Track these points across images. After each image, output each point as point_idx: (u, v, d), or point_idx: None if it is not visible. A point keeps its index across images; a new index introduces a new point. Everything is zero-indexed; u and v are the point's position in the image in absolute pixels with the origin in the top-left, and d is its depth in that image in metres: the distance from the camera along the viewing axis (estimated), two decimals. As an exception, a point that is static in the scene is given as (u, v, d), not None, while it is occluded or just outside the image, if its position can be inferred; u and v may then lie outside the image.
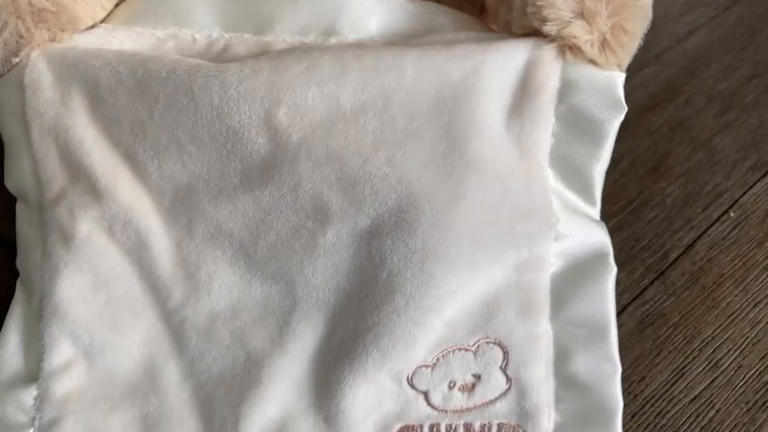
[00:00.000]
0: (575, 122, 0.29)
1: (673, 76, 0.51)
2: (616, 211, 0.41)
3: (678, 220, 0.41)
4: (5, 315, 0.37)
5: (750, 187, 0.42)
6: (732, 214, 0.41)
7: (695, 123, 0.47)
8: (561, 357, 0.30)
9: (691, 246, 0.39)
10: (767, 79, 0.50)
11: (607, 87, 0.29)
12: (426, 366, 0.30)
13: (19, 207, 0.33)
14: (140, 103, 0.30)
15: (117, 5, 0.34)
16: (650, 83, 0.50)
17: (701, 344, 0.34)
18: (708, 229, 0.40)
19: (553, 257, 0.30)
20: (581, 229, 0.30)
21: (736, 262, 0.38)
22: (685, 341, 0.35)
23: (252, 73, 0.29)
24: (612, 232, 0.32)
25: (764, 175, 0.43)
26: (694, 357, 0.34)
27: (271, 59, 0.29)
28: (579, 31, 0.28)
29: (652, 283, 0.37)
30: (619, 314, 0.33)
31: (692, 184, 0.43)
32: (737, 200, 0.42)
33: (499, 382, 0.30)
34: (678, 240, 0.40)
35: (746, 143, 0.45)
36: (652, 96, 0.49)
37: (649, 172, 0.44)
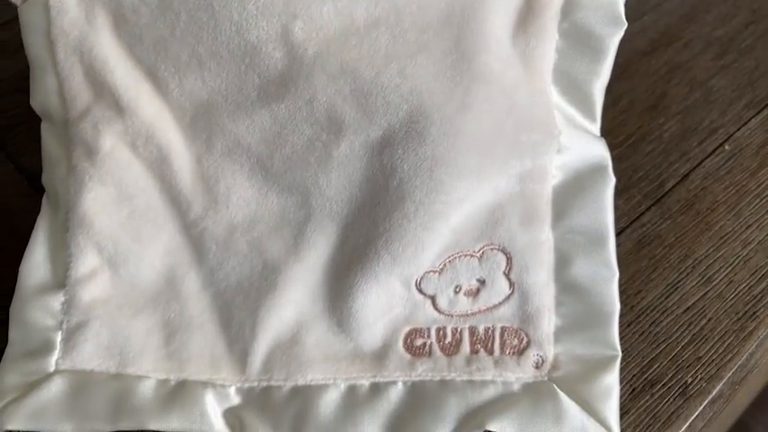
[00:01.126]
0: (577, 39, 0.31)
1: (672, 23, 0.53)
2: (616, 144, 0.43)
3: (675, 152, 0.42)
4: (30, 236, 0.39)
5: (744, 123, 0.44)
6: (727, 147, 0.42)
7: (693, 66, 0.49)
8: (561, 263, 0.31)
9: (686, 176, 0.41)
10: (764, 25, 0.51)
11: (608, 4, 0.30)
12: (434, 271, 0.31)
13: (44, 126, 0.35)
14: (162, 20, 0.31)
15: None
16: (650, 29, 0.51)
17: (694, 262, 0.36)
18: (703, 161, 0.42)
19: (555, 170, 0.31)
20: (581, 143, 0.32)
21: (729, 190, 0.40)
22: (679, 259, 0.36)
23: (269, -11, 0.30)
24: (612, 163, 0.34)
25: (759, 113, 0.44)
26: (688, 274, 0.36)
27: (287, -24, 0.30)
28: (582, -52, 0.30)
29: (649, 208, 0.39)
30: (617, 236, 0.34)
31: (689, 120, 0.44)
32: (732, 134, 0.43)
33: (502, 287, 0.31)
34: (674, 171, 0.41)
35: (742, 83, 0.47)
36: (651, 42, 0.51)
37: (648, 110, 0.45)
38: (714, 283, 0.35)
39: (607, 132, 0.35)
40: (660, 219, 0.38)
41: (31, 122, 0.47)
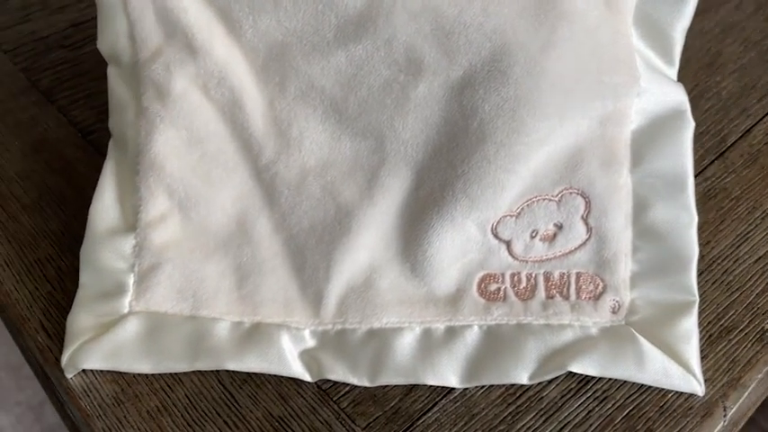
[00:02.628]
0: (660, -21, 0.30)
1: (722, -15, 0.52)
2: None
3: (734, 109, 0.42)
4: (88, 186, 0.39)
5: (804, 82, 0.43)
6: (787, 104, 0.42)
7: (746, 26, 0.48)
8: (640, 208, 0.31)
9: (748, 131, 0.40)
10: (815, -11, 0.51)
11: (694, -56, 0.30)
12: (511, 215, 0.31)
13: (111, 70, 0.34)
14: (237, -42, 0.31)
15: None
16: (700, -10, 0.51)
17: (762, 214, 0.36)
18: (764, 116, 0.41)
19: (634, 113, 0.31)
20: (660, 87, 0.31)
21: (793, 145, 0.39)
22: (747, 211, 0.36)
23: (350, -77, 0.29)
24: None
25: (816, 72, 0.44)
26: (757, 225, 0.35)
27: None
28: None
29: (712, 162, 0.39)
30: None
31: (746, 78, 0.44)
32: (791, 92, 0.43)
33: (580, 231, 0.31)
34: (735, 127, 0.41)
35: (797, 43, 0.46)
36: (702, 1, 0.50)
37: (704, 68, 0.45)
38: (784, 234, 0.35)
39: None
40: (724, 172, 0.38)
41: (78, 78, 0.47)
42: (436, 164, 0.31)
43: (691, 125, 0.31)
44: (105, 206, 0.33)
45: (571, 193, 0.31)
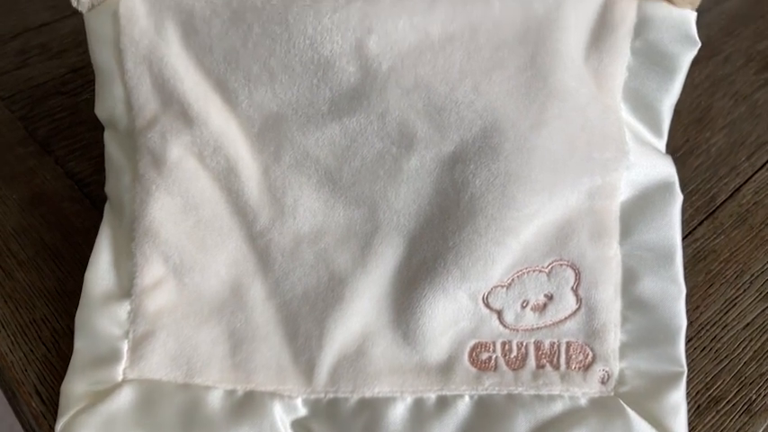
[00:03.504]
0: (649, 57, 0.31)
1: (712, 36, 0.53)
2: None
3: (723, 167, 0.43)
4: (85, 242, 0.39)
5: (792, 138, 0.44)
6: (776, 162, 0.42)
7: (736, 80, 0.49)
8: (629, 280, 0.31)
9: (737, 190, 0.41)
10: (804, 40, 0.52)
11: (681, 24, 0.31)
12: (502, 286, 0.32)
13: (108, 135, 0.35)
14: (234, 32, 0.31)
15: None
16: (691, 41, 0.51)
17: (751, 277, 0.36)
18: (753, 175, 0.42)
19: (623, 186, 0.31)
20: (649, 160, 0.32)
21: (782, 205, 0.40)
22: (736, 275, 0.36)
23: (346, 3, 0.30)
24: None
25: (805, 128, 0.45)
26: (745, 289, 0.36)
27: (363, -10, 0.30)
28: (657, -31, 0.30)
29: (701, 223, 0.39)
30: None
31: (736, 134, 0.45)
32: (780, 150, 0.43)
33: (570, 302, 0.32)
34: (725, 185, 0.41)
35: (786, 98, 0.47)
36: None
37: (694, 123, 0.46)
38: (772, 299, 0.35)
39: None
40: (714, 233, 0.39)
41: (75, 127, 0.48)
42: (428, 234, 0.32)
43: (679, 198, 0.32)
44: (101, 271, 0.33)
45: (561, 264, 0.31)
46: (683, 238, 0.38)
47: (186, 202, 0.33)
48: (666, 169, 0.32)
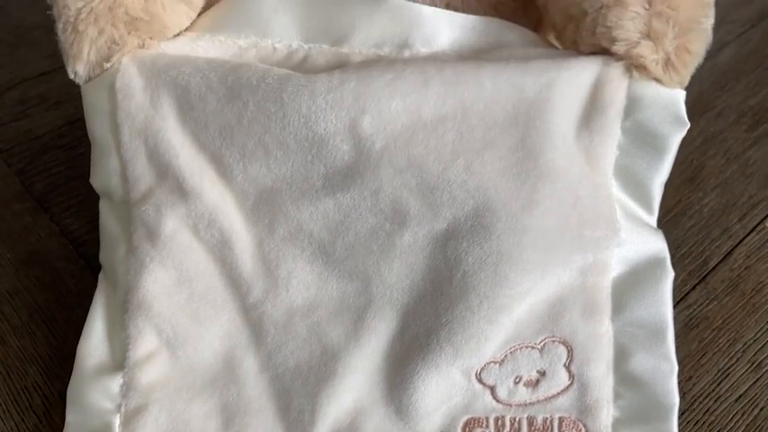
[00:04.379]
0: (639, 137, 0.31)
1: (704, 91, 0.54)
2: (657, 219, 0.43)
3: (716, 229, 0.43)
4: (78, 305, 0.39)
5: (783, 199, 0.44)
6: (767, 224, 0.43)
7: (728, 137, 0.49)
8: (621, 356, 0.31)
9: (729, 254, 0.41)
10: (795, 96, 0.52)
11: (670, 104, 0.31)
12: (495, 362, 0.32)
13: (103, 204, 0.35)
14: (229, 109, 0.32)
15: (199, 15, 0.36)
16: (683, 96, 0.52)
17: (743, 346, 0.36)
18: (744, 238, 0.42)
19: (614, 262, 0.32)
20: (640, 236, 0.32)
21: (773, 270, 0.40)
22: (729, 343, 0.37)
23: (340, 83, 0.30)
24: None
25: (796, 188, 0.45)
26: (738, 359, 0.36)
27: (357, 71, 0.31)
28: (646, 51, 0.30)
29: (694, 288, 0.39)
30: (665, 316, 0.34)
31: (728, 194, 0.45)
32: (771, 211, 0.44)
33: (562, 378, 0.32)
34: (717, 248, 0.42)
35: (778, 156, 0.48)
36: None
37: (686, 182, 0.46)
38: (765, 369, 0.35)
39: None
40: (706, 299, 0.39)
41: (72, 182, 0.48)
42: (421, 309, 0.32)
43: (670, 275, 0.32)
44: (94, 343, 0.33)
45: (554, 341, 0.31)
46: (676, 304, 0.39)
47: (180, 274, 0.33)
48: (658, 245, 0.32)
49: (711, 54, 0.58)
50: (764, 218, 0.43)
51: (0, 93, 0.56)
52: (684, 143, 0.49)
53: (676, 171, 0.47)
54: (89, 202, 0.46)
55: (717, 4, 0.66)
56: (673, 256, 0.41)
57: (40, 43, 0.63)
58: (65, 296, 0.40)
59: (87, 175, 0.48)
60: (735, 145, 0.49)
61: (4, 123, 0.53)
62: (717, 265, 0.41)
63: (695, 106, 0.52)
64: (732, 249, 0.41)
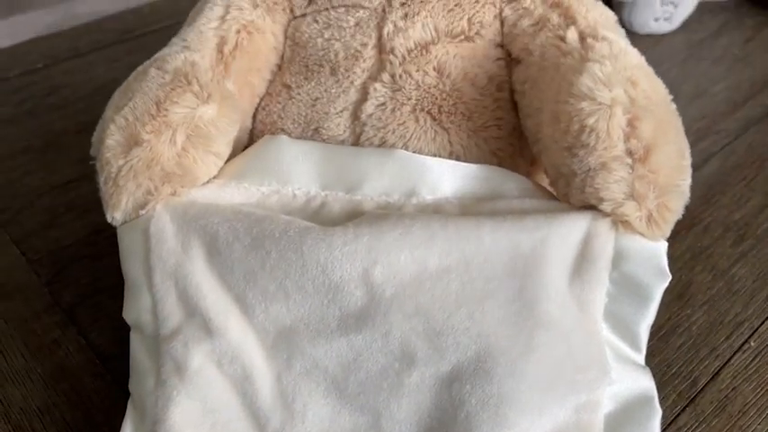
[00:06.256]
0: (625, 286, 0.34)
1: (691, 204, 0.56)
2: (648, 337, 0.46)
3: (704, 348, 0.45)
4: (105, 423, 0.41)
5: None
6: (752, 344, 0.45)
7: (714, 252, 0.52)
8: (614, 491, 0.34)
9: (717, 374, 0.44)
10: (778, 210, 0.56)
11: (653, 257, 0.34)
12: (497, 494, 0.34)
13: (134, 336, 0.38)
14: (254, 256, 0.35)
15: (225, 162, 0.40)
16: (672, 210, 0.55)
17: (730, 470, 0.39)
18: (731, 358, 0.45)
19: (606, 400, 0.34)
20: (630, 375, 0.35)
21: (758, 391, 0.43)
22: (717, 467, 0.39)
23: (354, 237, 0.34)
24: (647, 358, 0.37)
25: (780, 306, 0.48)
26: (728, 487, 0.38)
27: (370, 225, 0.34)
28: (630, 210, 0.34)
29: (684, 409, 0.42)
30: (656, 440, 0.37)
31: (715, 312, 0.48)
32: (756, 329, 0.46)
33: None
34: (705, 368, 0.44)
35: (762, 273, 0.51)
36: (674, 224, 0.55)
37: (676, 299, 0.49)
38: (750, 495, 0.38)
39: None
40: (695, 422, 0.41)
41: (98, 295, 0.51)
42: (427, 445, 0.34)
43: (658, 413, 0.35)
44: (122, 473, 0.35)
45: (551, 475, 0.34)
46: (667, 427, 0.41)
47: (205, 406, 0.35)
48: (646, 383, 0.35)
49: (698, 165, 0.62)
50: (749, 337, 0.46)
51: (30, 200, 0.60)
52: (673, 258, 0.52)
53: (667, 289, 0.50)
54: (113, 315, 0.48)
55: (702, 116, 0.70)
56: (663, 375, 0.44)
57: (69, 147, 0.67)
58: (92, 414, 0.42)
59: (111, 287, 0.52)
60: (721, 260, 0.52)
61: (34, 232, 0.56)
62: (705, 385, 0.43)
63: (683, 221, 0.54)
64: (720, 369, 0.44)
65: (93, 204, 0.58)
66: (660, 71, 0.72)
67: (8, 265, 0.53)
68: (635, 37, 0.79)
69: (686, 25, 0.82)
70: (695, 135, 0.65)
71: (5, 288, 0.51)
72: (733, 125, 0.66)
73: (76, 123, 0.70)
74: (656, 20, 0.79)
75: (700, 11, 0.83)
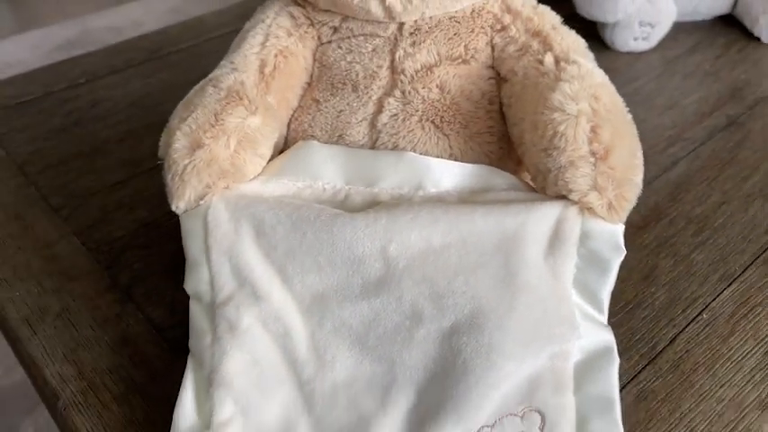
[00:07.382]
0: (590, 260, 0.43)
1: (659, 200, 0.66)
2: (617, 310, 0.54)
3: (664, 319, 0.54)
4: (165, 380, 0.50)
5: (718, 295, 0.56)
6: (704, 316, 0.54)
7: (677, 241, 0.61)
8: (581, 422, 0.42)
9: (673, 340, 0.52)
10: (733, 206, 0.64)
11: (612, 237, 0.43)
12: (488, 426, 0.42)
13: (193, 304, 0.46)
14: (293, 236, 0.44)
15: (268, 162, 0.48)
16: (641, 206, 0.63)
17: (680, 415, 0.47)
18: (686, 327, 0.53)
19: (575, 351, 0.43)
20: (594, 332, 0.43)
21: (707, 353, 0.51)
22: (669, 413, 0.47)
23: (374, 220, 0.43)
24: (615, 327, 0.45)
25: (729, 285, 0.56)
26: (675, 425, 0.46)
27: (387, 211, 0.43)
28: (594, 199, 0.42)
29: (644, 367, 0.50)
30: (620, 390, 0.45)
31: (675, 291, 0.56)
32: (708, 304, 0.55)
33: (538, 438, 0.42)
34: (664, 335, 0.53)
35: (716, 258, 0.59)
36: (643, 218, 0.63)
37: (642, 279, 0.57)
38: (697, 432, 0.46)
39: (612, 299, 0.46)
40: (654, 377, 0.49)
41: (150, 277, 0.59)
42: (433, 387, 0.43)
43: (616, 361, 0.43)
44: (186, 410, 0.44)
45: (531, 410, 0.42)
46: (630, 380, 0.50)
47: (252, 358, 0.44)
48: (607, 337, 0.44)
49: (667, 168, 0.71)
50: (702, 311, 0.54)
51: (85, 199, 0.68)
52: (641, 246, 0.61)
53: (635, 270, 0.59)
54: (164, 292, 0.57)
55: (674, 125, 0.79)
56: (629, 341, 0.53)
57: (113, 153, 0.76)
58: (153, 373, 0.51)
59: (161, 271, 0.60)
60: (683, 248, 0.60)
61: (90, 226, 0.65)
62: (663, 349, 0.51)
63: (652, 214, 0.64)
64: (676, 336, 0.52)
65: (139, 203, 0.68)
66: (637, 85, 0.83)
67: (72, 252, 0.62)
68: (616, 54, 0.88)
69: (663, 43, 0.90)
70: (666, 141, 0.73)
71: (71, 272, 0.60)
72: (700, 133, 0.75)
73: (118, 132, 0.79)
74: (636, 39, 0.88)
75: (676, 30, 0.92)
